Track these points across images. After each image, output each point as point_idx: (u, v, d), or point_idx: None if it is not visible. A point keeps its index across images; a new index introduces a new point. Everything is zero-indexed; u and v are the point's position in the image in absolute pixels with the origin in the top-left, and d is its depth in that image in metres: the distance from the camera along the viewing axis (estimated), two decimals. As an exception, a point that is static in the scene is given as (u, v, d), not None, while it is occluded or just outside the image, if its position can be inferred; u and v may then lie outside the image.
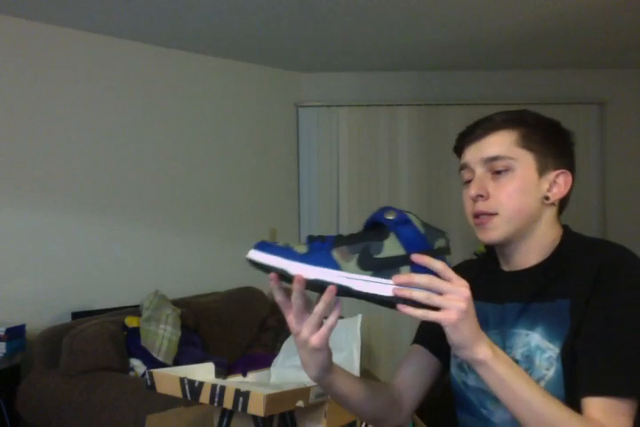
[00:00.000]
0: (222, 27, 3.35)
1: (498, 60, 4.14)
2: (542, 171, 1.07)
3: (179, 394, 1.09)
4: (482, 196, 1.07)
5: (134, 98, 3.56)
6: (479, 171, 1.09)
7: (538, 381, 1.01)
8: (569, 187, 1.09)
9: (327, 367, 0.96)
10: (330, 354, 0.95)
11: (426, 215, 4.34)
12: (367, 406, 1.08)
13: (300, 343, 0.92)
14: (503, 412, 1.05)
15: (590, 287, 1.00)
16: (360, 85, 4.43)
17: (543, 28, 3.41)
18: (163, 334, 2.83)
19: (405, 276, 0.87)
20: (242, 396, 0.99)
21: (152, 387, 1.13)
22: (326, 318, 0.90)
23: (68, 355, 2.59)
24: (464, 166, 1.12)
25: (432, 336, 1.17)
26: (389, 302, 0.87)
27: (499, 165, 1.06)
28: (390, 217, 0.91)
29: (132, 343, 2.78)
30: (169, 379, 1.11)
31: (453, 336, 0.87)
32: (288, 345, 1.41)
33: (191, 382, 1.07)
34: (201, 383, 1.06)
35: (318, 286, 0.87)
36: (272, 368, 1.39)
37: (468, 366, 1.12)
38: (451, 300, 0.85)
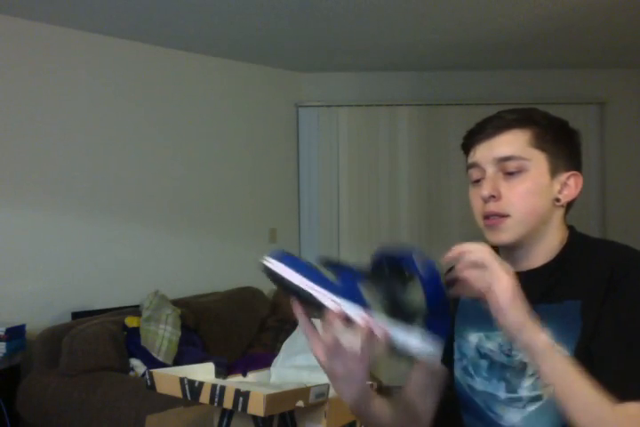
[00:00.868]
0: (222, 27, 3.35)
1: (498, 60, 4.14)
2: (554, 172, 1.06)
3: (179, 394, 1.08)
4: (494, 196, 1.04)
5: (134, 98, 3.56)
6: (490, 170, 1.06)
7: (547, 384, 1.00)
8: (579, 189, 1.09)
9: (364, 392, 0.97)
10: (366, 378, 0.94)
11: (425, 215, 4.35)
12: (398, 421, 1.11)
13: (334, 377, 0.91)
14: (512, 415, 1.04)
15: (602, 289, 0.99)
16: (360, 85, 4.43)
17: (543, 28, 3.41)
18: (163, 334, 2.83)
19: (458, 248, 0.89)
20: (242, 396, 0.99)
21: (152, 387, 1.13)
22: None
23: (68, 355, 2.59)
24: (473, 165, 1.09)
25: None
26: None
27: (511, 165, 1.04)
28: (422, 268, 0.88)
29: (131, 343, 2.79)
30: (169, 379, 1.11)
31: (511, 316, 0.87)
32: (288, 345, 1.41)
33: (191, 382, 1.07)
34: (201, 383, 1.06)
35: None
36: (272, 368, 1.39)
37: (473, 370, 1.11)
38: (501, 276, 0.87)
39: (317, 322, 1.25)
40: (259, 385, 1.21)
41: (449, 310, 0.89)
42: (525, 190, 1.04)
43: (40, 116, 3.17)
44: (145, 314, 2.93)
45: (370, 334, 0.85)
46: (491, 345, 1.10)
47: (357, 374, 0.90)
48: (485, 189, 1.04)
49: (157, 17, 3.16)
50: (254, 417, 1.15)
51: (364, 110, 4.39)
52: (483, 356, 1.11)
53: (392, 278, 0.88)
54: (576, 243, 1.09)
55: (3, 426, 2.66)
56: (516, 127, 1.05)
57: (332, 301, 0.84)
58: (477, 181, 1.08)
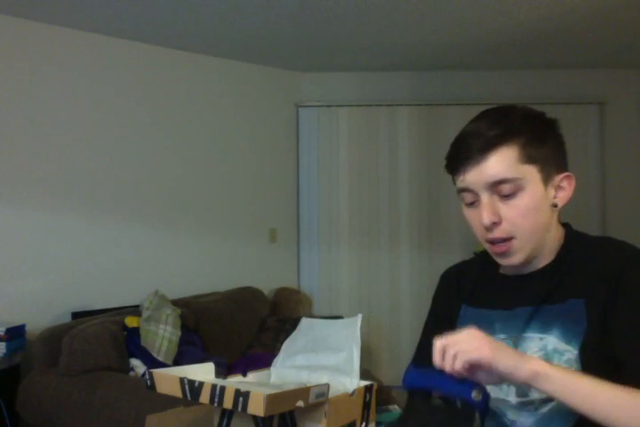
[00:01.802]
0: (222, 27, 3.35)
1: (498, 60, 4.14)
2: (547, 180, 1.03)
3: (179, 394, 1.08)
4: (495, 223, 1.02)
5: (134, 98, 3.56)
6: (485, 195, 1.02)
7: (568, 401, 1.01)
8: (573, 188, 1.07)
9: None
10: None
11: (426, 215, 4.35)
12: None
13: None
14: (525, 419, 1.04)
15: (604, 285, 0.99)
16: (360, 85, 4.44)
17: (543, 28, 3.41)
18: (163, 334, 2.83)
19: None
20: (242, 396, 0.99)
21: (152, 387, 1.13)
22: None
23: (68, 355, 2.59)
24: (466, 190, 1.05)
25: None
26: None
27: (506, 188, 1.00)
28: (478, 398, 0.91)
29: (131, 343, 2.79)
30: (169, 379, 1.11)
31: (500, 366, 0.89)
32: (288, 345, 1.41)
33: (191, 382, 1.07)
34: (201, 383, 1.05)
35: None
36: (272, 368, 1.39)
37: None
38: (468, 345, 0.90)
39: (315, 322, 1.25)
40: (259, 385, 1.21)
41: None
42: (525, 209, 1.01)
43: (40, 116, 3.17)
44: (145, 314, 2.93)
45: None
46: None
47: None
48: (486, 218, 1.01)
49: (157, 17, 3.16)
50: (254, 417, 1.15)
51: (364, 110, 4.39)
52: None
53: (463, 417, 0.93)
54: (574, 242, 1.09)
55: (3, 426, 2.66)
56: (502, 145, 1.00)
57: None
58: (472, 204, 1.06)
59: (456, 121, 4.20)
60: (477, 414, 0.91)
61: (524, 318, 1.06)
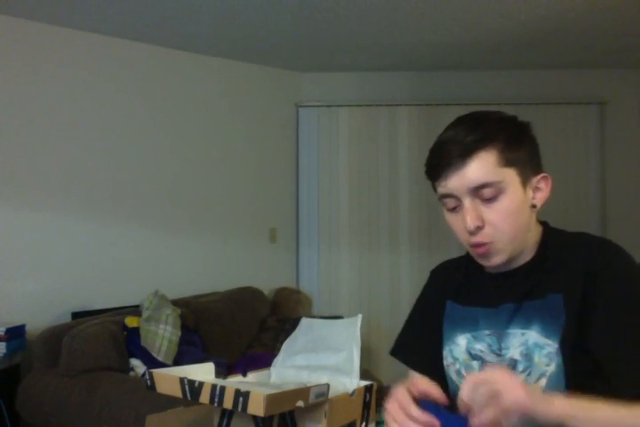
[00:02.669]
0: (222, 27, 3.35)
1: (498, 60, 4.14)
2: (525, 182, 1.06)
3: (179, 394, 1.08)
4: (479, 227, 1.04)
5: (134, 98, 3.56)
6: (467, 200, 1.05)
7: (539, 378, 1.02)
8: (550, 188, 1.10)
9: None
10: None
11: (426, 215, 4.35)
12: None
13: None
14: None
15: (581, 280, 1.02)
16: (360, 85, 4.44)
17: (543, 28, 3.41)
18: (163, 334, 2.83)
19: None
20: (242, 396, 0.99)
21: (152, 387, 1.13)
22: None
23: (68, 355, 2.59)
24: (448, 196, 1.08)
25: (424, 362, 1.20)
26: None
27: (487, 192, 1.03)
28: None
29: (131, 343, 2.79)
30: (169, 379, 1.11)
31: (534, 413, 0.88)
32: (288, 345, 1.41)
33: (191, 382, 1.07)
34: (201, 383, 1.05)
35: None
36: (272, 368, 1.39)
37: (466, 372, 1.13)
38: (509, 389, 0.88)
39: (315, 322, 1.25)
40: (259, 385, 1.21)
41: None
42: (507, 212, 1.04)
43: (40, 117, 3.17)
44: (145, 314, 2.93)
45: None
46: (480, 346, 1.11)
47: None
48: (471, 222, 1.04)
49: (157, 17, 3.16)
50: (254, 417, 1.15)
51: (364, 110, 4.39)
52: (474, 357, 1.12)
53: None
54: (552, 239, 1.11)
55: (3, 426, 2.66)
56: (481, 150, 1.03)
57: None
58: (454, 209, 1.08)
59: (456, 121, 4.20)
60: None
61: (507, 315, 1.08)
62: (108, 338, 2.69)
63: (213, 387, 1.03)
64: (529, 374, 1.04)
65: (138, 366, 2.75)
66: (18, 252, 3.07)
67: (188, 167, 3.81)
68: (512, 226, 1.05)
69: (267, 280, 4.12)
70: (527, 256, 1.11)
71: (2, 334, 2.69)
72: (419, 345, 1.24)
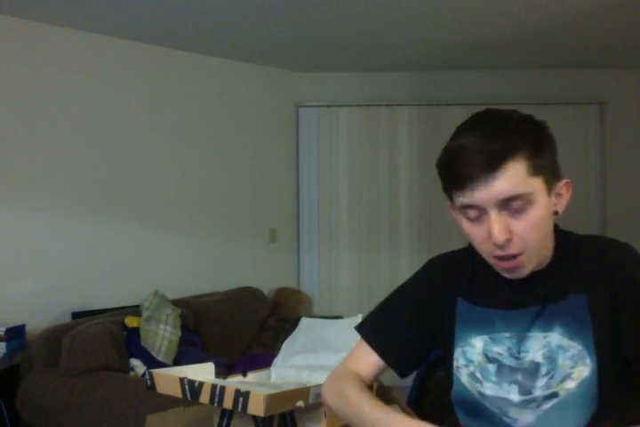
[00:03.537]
0: (222, 27, 3.35)
1: (498, 60, 4.14)
2: (550, 189, 1.01)
3: (179, 394, 1.08)
4: (508, 239, 0.98)
5: (134, 98, 3.56)
6: (494, 211, 0.98)
7: (562, 380, 1.02)
8: (571, 193, 1.06)
9: None
10: None
11: (426, 215, 4.35)
12: None
13: None
14: (527, 416, 1.05)
15: (607, 281, 1.02)
16: (360, 85, 4.44)
17: (543, 28, 3.41)
18: (163, 334, 2.83)
19: None
20: (242, 396, 0.99)
21: (152, 387, 1.13)
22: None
23: (68, 355, 2.59)
24: (472, 206, 0.99)
25: (395, 348, 1.17)
26: None
27: (517, 204, 0.97)
28: None
29: (131, 343, 2.78)
30: (169, 379, 1.11)
31: None
32: (288, 345, 1.41)
33: (191, 382, 1.07)
34: (201, 383, 1.05)
35: None
36: (272, 368, 1.39)
37: (481, 376, 1.10)
38: None
39: (315, 322, 1.25)
40: (259, 385, 1.21)
41: None
42: (535, 222, 0.99)
43: (40, 117, 3.17)
44: (145, 314, 2.93)
45: None
46: (498, 349, 1.08)
47: None
48: (499, 236, 0.97)
49: (157, 17, 3.16)
50: (254, 417, 1.15)
51: (364, 110, 4.39)
52: (491, 360, 1.09)
53: None
54: (566, 241, 1.10)
55: (3, 426, 2.66)
56: (509, 160, 0.95)
57: None
58: (476, 218, 1.01)
59: (456, 121, 4.15)
60: None
61: (529, 318, 1.06)
62: (108, 338, 2.69)
63: (213, 387, 1.03)
64: (552, 377, 1.03)
65: (138, 366, 2.75)
66: (18, 252, 3.07)
67: (188, 167, 3.80)
68: (539, 236, 1.00)
69: (267, 280, 4.12)
70: (546, 260, 1.08)
71: (2, 334, 2.69)
72: (390, 329, 1.19)
